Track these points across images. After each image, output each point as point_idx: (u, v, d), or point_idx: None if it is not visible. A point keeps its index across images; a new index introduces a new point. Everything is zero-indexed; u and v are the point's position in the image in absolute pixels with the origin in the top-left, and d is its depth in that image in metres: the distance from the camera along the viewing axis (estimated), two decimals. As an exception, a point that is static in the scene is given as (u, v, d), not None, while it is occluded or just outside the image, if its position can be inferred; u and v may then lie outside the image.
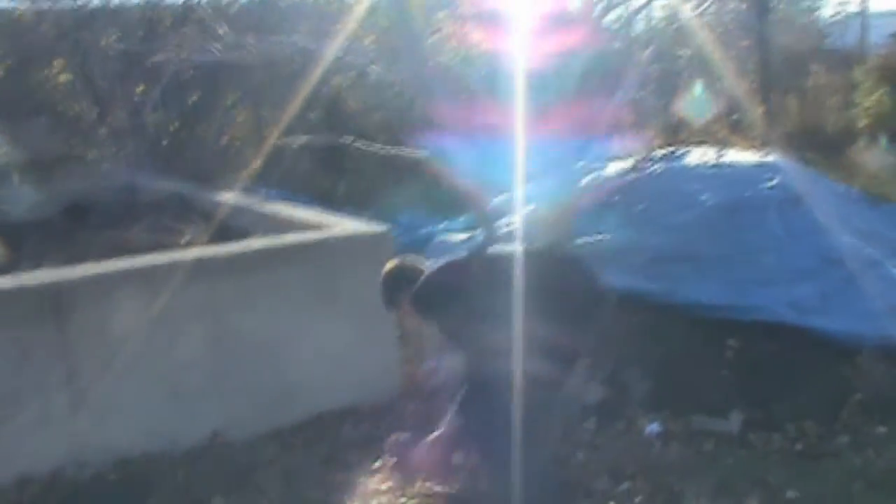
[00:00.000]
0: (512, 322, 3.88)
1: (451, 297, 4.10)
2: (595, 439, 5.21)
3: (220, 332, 5.13)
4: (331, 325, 5.45)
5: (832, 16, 20.82)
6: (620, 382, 5.60)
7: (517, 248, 4.25)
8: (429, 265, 4.36)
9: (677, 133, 13.61)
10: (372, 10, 9.71)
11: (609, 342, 4.40)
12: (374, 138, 9.54)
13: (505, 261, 4.13)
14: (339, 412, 5.41)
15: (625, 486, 4.68)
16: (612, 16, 5.73)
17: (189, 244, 6.04)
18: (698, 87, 10.52)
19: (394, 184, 10.21)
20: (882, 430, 5.53)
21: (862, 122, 16.51)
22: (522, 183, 5.24)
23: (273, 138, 8.81)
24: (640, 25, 8.50)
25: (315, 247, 5.49)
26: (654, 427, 5.33)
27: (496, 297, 3.95)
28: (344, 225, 5.89)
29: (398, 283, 4.33)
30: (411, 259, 4.47)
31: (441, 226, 8.67)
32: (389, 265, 4.45)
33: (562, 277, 4.15)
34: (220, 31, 5.60)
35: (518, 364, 3.86)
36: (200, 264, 5.11)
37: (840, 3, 19.79)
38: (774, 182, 7.87)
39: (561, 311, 3.94)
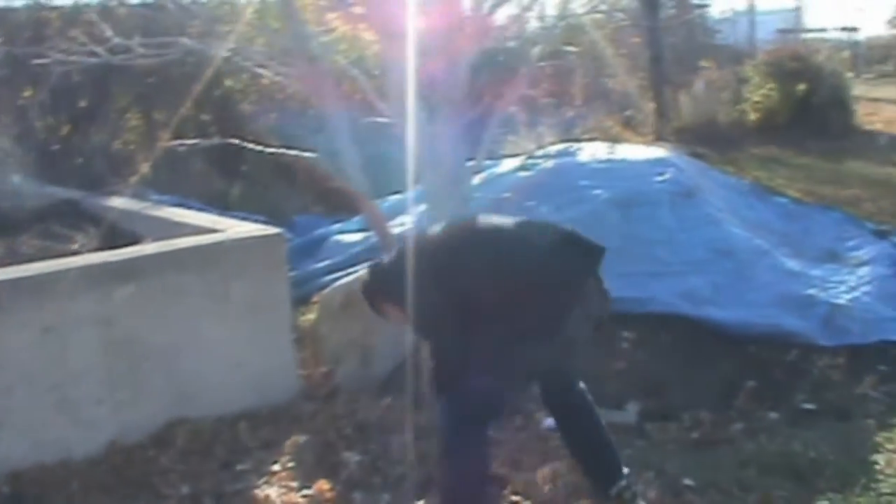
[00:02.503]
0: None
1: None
2: (493, 434, 5.24)
3: (114, 339, 5.03)
4: (226, 328, 5.41)
5: (721, 13, 21.30)
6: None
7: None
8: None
9: (570, 130, 13.79)
10: (263, 12, 9.66)
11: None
12: (267, 140, 9.50)
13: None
14: (238, 415, 5.34)
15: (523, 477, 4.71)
16: (503, 13, 5.76)
17: (80, 251, 5.94)
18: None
19: (288, 186, 10.18)
20: (773, 415, 5.69)
21: (752, 116, 16.86)
22: (414, 183, 5.27)
23: (164, 141, 8.73)
24: (533, 23, 8.56)
25: (208, 250, 5.44)
26: (550, 421, 5.37)
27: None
28: (237, 228, 5.84)
29: (372, 286, 4.26)
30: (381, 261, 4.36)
31: (336, 227, 8.66)
32: (361, 273, 4.40)
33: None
34: (108, 34, 5.50)
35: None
36: (91, 271, 5.02)
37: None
38: (666, 176, 8.02)
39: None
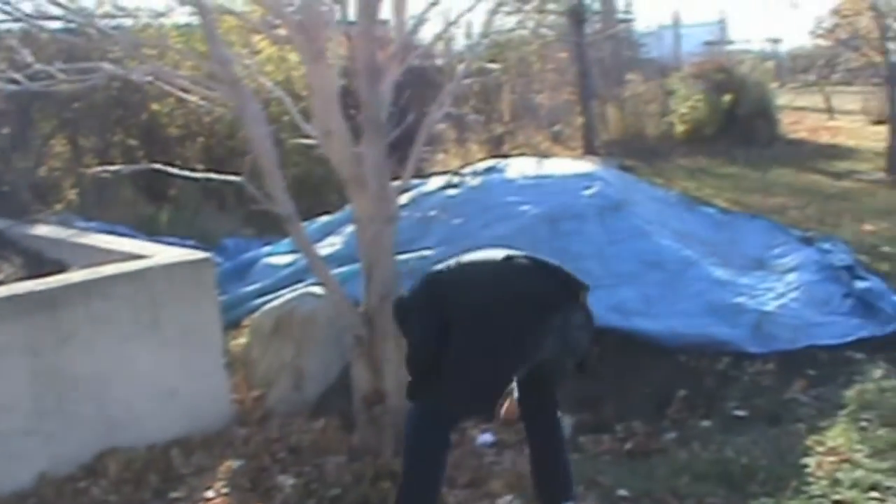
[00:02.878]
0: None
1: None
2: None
3: (41, 369, 4.96)
4: (155, 355, 5.35)
5: (646, 27, 21.56)
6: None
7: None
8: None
9: (500, 146, 13.84)
10: (188, 35, 9.61)
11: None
12: (195, 164, 9.43)
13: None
14: (170, 443, 5.30)
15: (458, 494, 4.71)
16: (428, 30, 5.78)
17: (5, 281, 5.85)
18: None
19: (217, 209, 10.11)
20: (706, 423, 5.75)
21: (680, 128, 17.04)
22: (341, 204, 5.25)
23: (91, 167, 8.62)
24: (460, 41, 8.56)
25: (135, 277, 5.38)
26: (485, 437, 5.39)
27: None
28: (165, 253, 5.80)
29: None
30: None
31: (265, 249, 8.60)
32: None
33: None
34: (29, 59, 5.43)
35: None
36: (16, 301, 4.95)
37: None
38: (594, 190, 8.05)
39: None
